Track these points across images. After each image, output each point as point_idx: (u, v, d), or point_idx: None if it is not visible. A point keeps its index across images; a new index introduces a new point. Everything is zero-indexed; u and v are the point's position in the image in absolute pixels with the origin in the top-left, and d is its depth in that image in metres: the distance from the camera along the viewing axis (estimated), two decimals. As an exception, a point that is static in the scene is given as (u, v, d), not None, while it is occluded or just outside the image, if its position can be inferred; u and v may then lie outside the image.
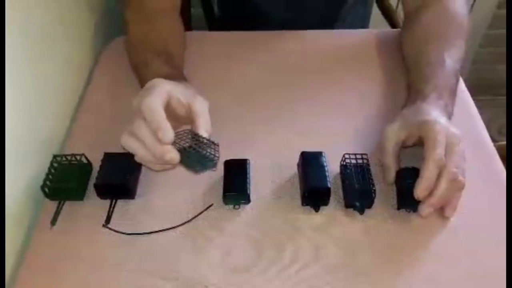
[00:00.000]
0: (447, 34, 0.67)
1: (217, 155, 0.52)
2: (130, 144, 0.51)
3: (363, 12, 0.97)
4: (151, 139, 0.49)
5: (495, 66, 1.61)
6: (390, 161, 0.56)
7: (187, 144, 0.53)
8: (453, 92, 0.62)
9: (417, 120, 0.55)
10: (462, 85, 0.71)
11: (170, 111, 0.52)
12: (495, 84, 1.58)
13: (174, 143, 0.51)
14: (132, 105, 0.52)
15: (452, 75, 0.62)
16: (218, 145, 0.52)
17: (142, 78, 0.62)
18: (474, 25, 1.49)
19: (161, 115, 0.49)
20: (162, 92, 0.51)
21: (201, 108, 0.54)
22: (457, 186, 0.52)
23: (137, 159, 0.52)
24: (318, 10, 0.86)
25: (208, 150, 0.52)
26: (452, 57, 0.63)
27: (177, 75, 0.61)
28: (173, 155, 0.50)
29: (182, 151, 0.52)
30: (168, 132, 0.48)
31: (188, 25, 1.07)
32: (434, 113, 0.56)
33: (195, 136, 0.53)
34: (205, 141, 0.52)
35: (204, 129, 0.53)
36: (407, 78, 0.68)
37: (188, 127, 0.55)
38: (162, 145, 0.49)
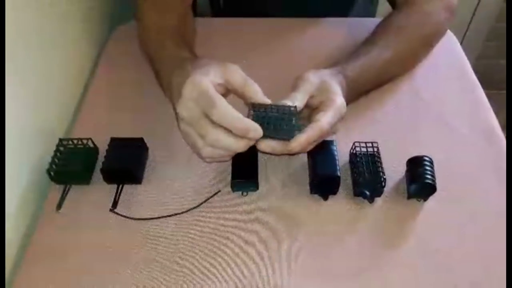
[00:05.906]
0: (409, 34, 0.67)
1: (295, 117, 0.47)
2: (217, 143, 0.48)
3: (367, 8, 0.96)
4: (230, 120, 0.46)
5: (502, 60, 1.59)
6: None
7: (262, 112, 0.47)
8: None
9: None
10: (474, 78, 0.71)
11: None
12: (502, 78, 1.56)
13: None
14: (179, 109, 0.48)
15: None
16: (295, 107, 0.48)
17: (159, 61, 0.62)
18: (481, 18, 1.49)
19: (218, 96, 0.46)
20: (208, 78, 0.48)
21: (240, 75, 0.50)
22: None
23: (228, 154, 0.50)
24: (320, 8, 0.85)
25: (284, 113, 0.47)
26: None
27: (194, 58, 0.60)
28: (257, 128, 0.46)
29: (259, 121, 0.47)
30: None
31: (193, 13, 1.05)
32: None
33: (258, 105, 0.48)
34: (274, 105, 0.47)
35: (261, 93, 0.49)
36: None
37: None
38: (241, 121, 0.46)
